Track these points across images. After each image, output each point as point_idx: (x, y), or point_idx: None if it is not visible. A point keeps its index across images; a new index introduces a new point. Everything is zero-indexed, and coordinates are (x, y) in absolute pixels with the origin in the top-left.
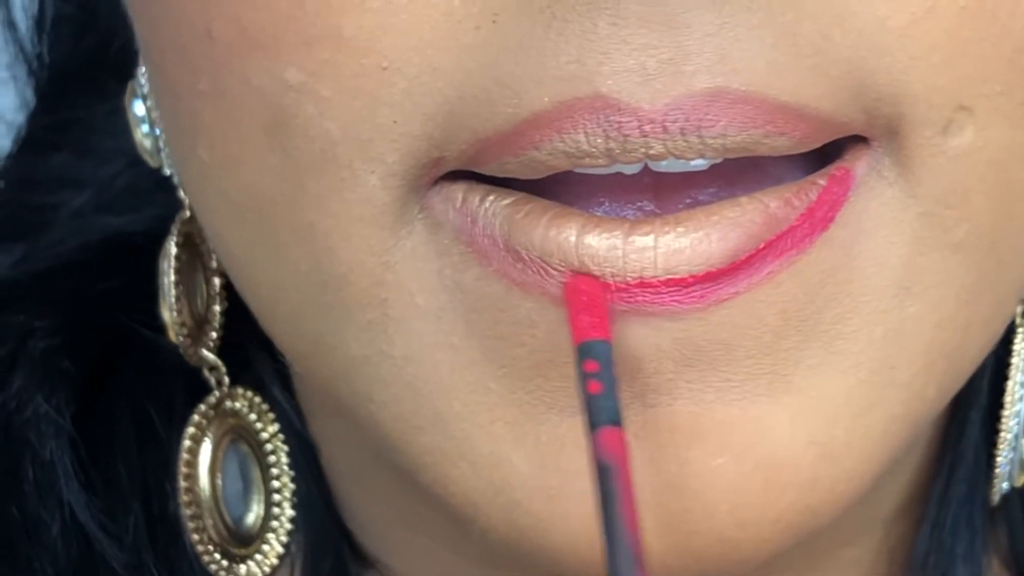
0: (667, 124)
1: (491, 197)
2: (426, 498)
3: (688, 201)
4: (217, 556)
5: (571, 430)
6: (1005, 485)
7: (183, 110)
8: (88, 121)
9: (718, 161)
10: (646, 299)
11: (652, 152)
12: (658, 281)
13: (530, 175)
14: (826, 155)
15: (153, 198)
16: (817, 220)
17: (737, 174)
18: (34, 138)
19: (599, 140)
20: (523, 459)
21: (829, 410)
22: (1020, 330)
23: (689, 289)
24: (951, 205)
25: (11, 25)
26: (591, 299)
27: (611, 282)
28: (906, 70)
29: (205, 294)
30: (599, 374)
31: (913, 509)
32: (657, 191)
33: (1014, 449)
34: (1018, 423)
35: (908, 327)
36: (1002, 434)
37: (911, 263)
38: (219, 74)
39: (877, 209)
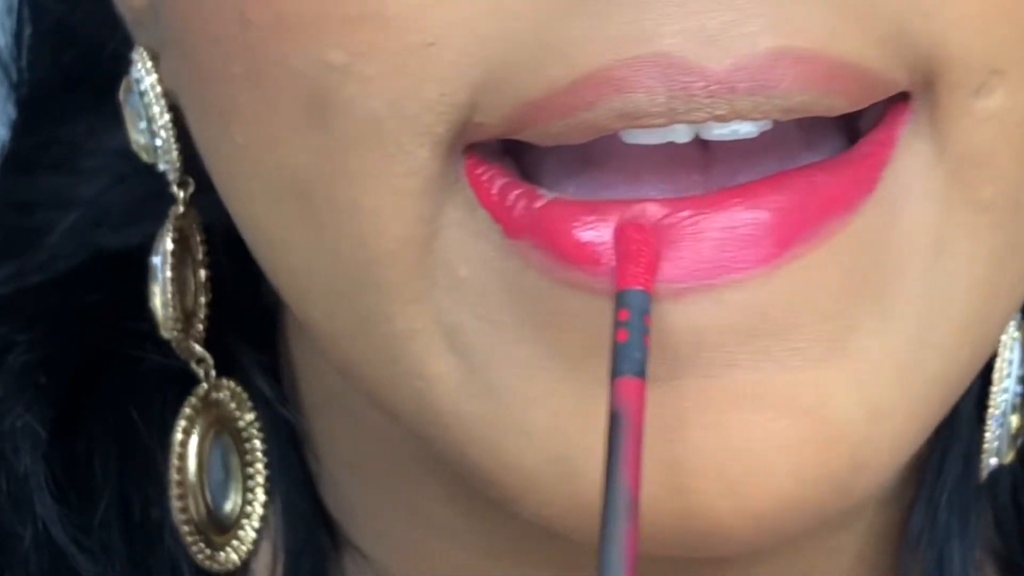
0: (734, 84)
1: (523, 203)
2: (446, 488)
3: (739, 180)
4: (202, 544)
5: None
6: (993, 461)
7: (216, 95)
8: (70, 139)
9: (768, 128)
10: (705, 271)
11: (718, 112)
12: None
13: (576, 139)
14: (863, 115)
15: (145, 213)
16: (862, 182)
17: (784, 151)
18: (18, 157)
19: (661, 99)
20: (582, 432)
21: (878, 372)
22: None
23: (751, 250)
24: (977, 165)
25: None
26: (639, 247)
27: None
28: (944, 33)
29: (193, 287)
30: (629, 323)
31: (905, 492)
32: (706, 170)
33: (1002, 426)
34: (1006, 400)
35: (943, 288)
36: (990, 410)
37: (944, 221)
38: (254, 57)
39: (915, 167)
